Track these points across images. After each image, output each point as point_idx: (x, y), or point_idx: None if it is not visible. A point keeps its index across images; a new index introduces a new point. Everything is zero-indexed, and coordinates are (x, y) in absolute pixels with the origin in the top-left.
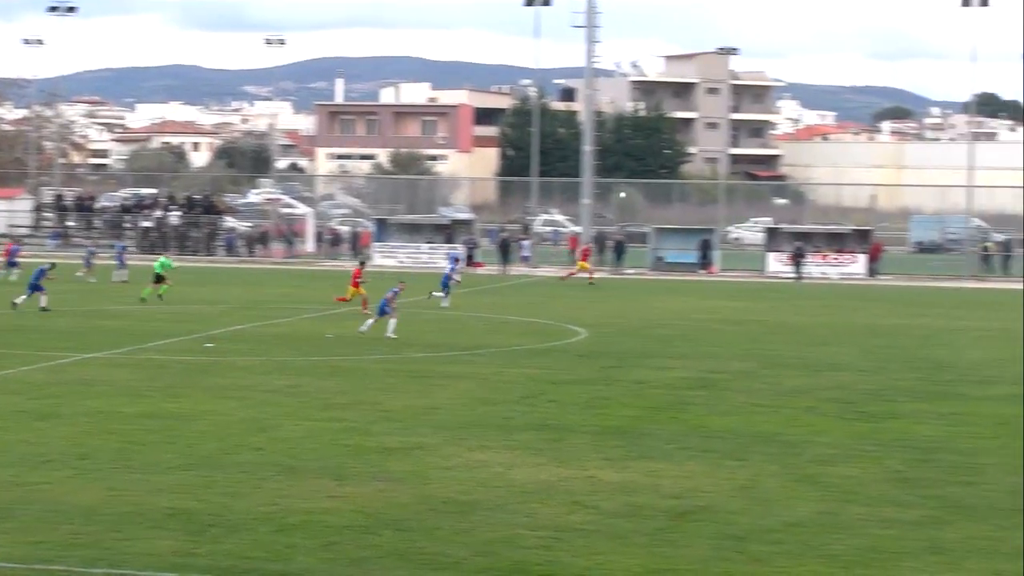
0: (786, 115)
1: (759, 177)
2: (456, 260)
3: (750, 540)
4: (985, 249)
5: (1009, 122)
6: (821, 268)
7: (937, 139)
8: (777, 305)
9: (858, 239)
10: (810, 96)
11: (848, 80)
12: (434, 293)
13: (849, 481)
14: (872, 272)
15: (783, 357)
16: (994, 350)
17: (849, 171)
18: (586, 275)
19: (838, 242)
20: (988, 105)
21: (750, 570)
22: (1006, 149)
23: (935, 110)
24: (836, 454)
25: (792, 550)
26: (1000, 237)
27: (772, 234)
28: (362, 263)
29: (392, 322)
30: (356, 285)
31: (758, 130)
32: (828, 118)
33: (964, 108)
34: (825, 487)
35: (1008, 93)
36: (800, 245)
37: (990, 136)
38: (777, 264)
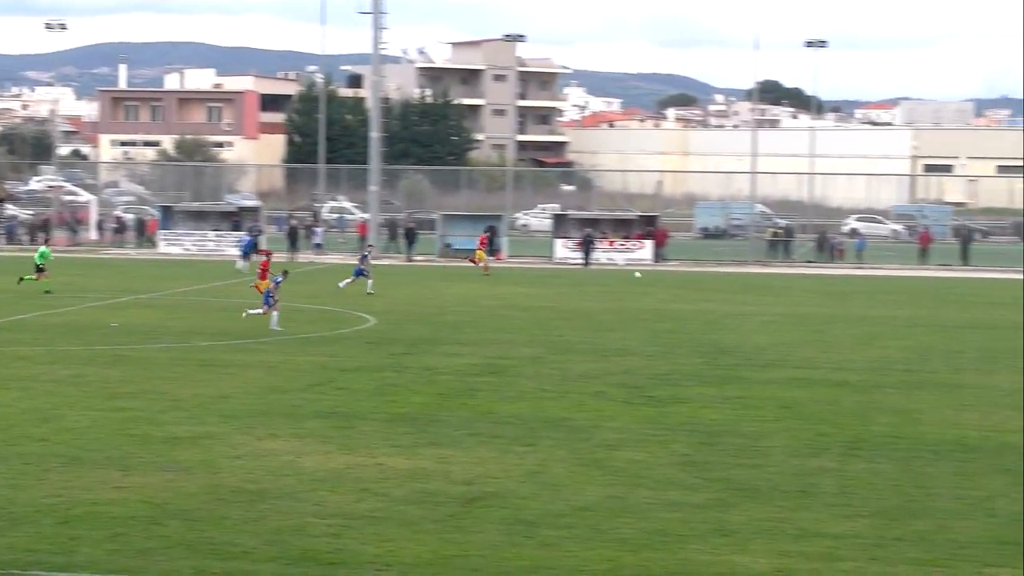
0: (573, 102)
1: (546, 164)
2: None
3: (540, 525)
4: (775, 235)
5: (791, 109)
6: (608, 254)
7: (721, 126)
8: (565, 291)
9: (644, 225)
10: (596, 83)
11: (634, 67)
12: (341, 284)
13: (636, 465)
14: (658, 258)
15: (571, 343)
16: (778, 334)
17: (635, 158)
18: (481, 264)
19: (625, 228)
20: (771, 92)
21: (540, 555)
22: (789, 136)
23: (719, 97)
24: (624, 438)
25: (581, 534)
26: (783, 223)
27: (559, 220)
28: (268, 253)
29: (275, 315)
30: (264, 277)
31: (545, 117)
32: (614, 105)
33: (747, 95)
34: (613, 471)
35: (790, 80)
36: (589, 231)
37: (773, 123)
38: (564, 250)
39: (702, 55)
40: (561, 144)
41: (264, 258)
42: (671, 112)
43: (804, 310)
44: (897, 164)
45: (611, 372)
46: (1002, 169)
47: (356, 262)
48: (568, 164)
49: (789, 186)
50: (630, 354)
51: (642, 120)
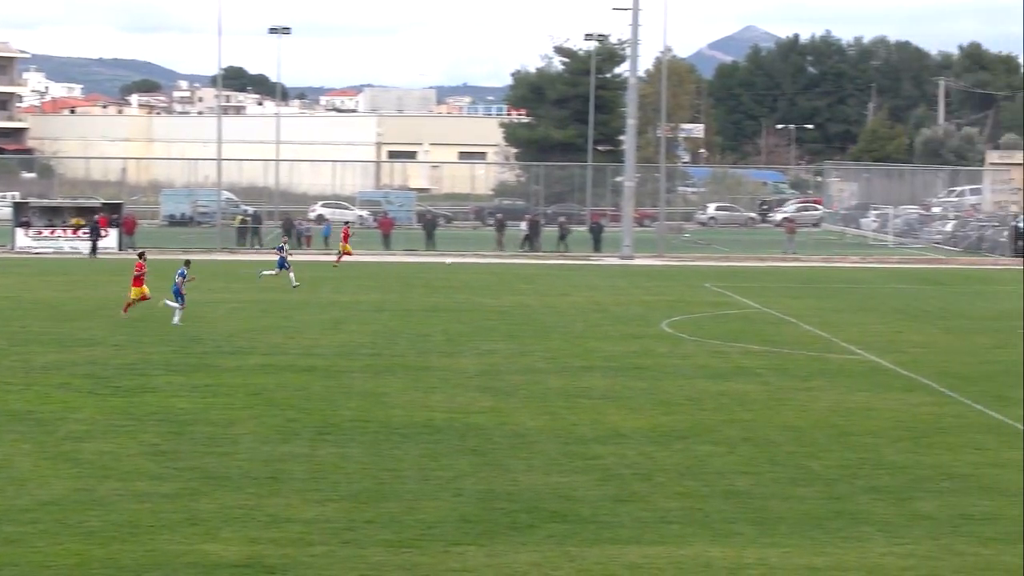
0: (32, 87)
1: (6, 151)
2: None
3: (4, 521)
4: (243, 222)
5: (257, 96)
6: (72, 243)
7: (186, 113)
8: (27, 280)
9: (110, 213)
10: (57, 68)
11: (97, 52)
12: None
13: (105, 457)
14: (124, 246)
15: (33, 333)
16: (247, 321)
17: (98, 144)
18: (346, 256)
19: (89, 216)
20: (236, 79)
21: (5, 552)
22: (254, 122)
23: (184, 84)
24: (90, 430)
25: (48, 529)
26: (251, 210)
27: (20, 208)
28: (141, 255)
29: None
30: (139, 282)
31: (4, 103)
32: (76, 91)
33: (212, 82)
34: (80, 464)
35: (255, 67)
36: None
37: (239, 110)
38: (27, 239)
39: (166, 41)
40: (21, 130)
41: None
42: (135, 98)
43: (272, 296)
44: (362, 151)
45: (77, 363)
46: (464, 155)
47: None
48: (29, 151)
49: (256, 173)
50: (96, 344)
51: (105, 106)
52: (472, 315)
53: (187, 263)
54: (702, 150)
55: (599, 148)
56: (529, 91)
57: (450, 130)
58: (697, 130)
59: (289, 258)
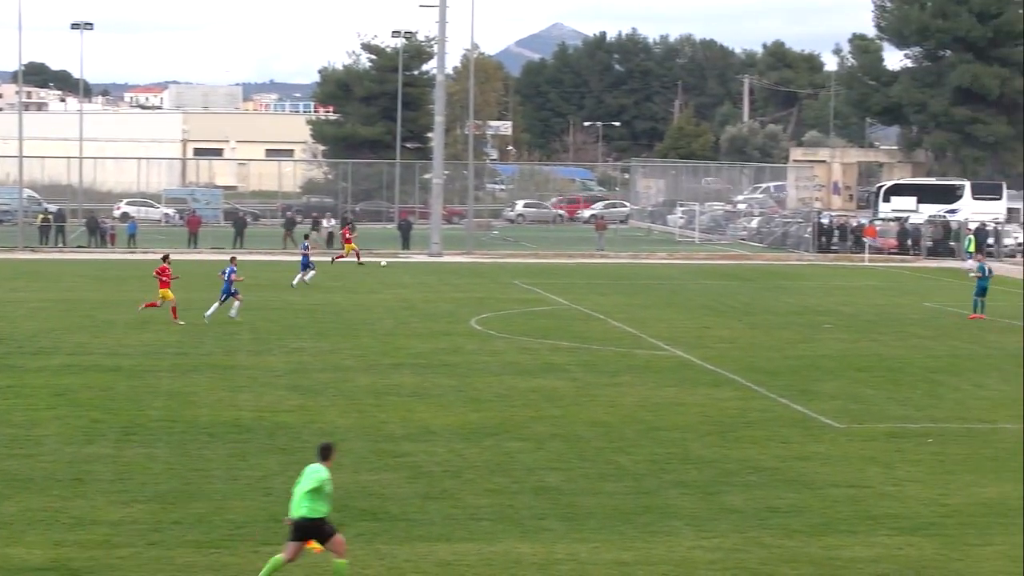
0: None
1: None
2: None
3: None
4: (44, 220)
5: (59, 92)
6: None
7: None
8: None
9: None
10: None
11: None
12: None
13: None
14: None
15: None
16: (49, 321)
17: None
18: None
19: None
20: (37, 75)
21: None
22: (57, 119)
23: None
24: None
25: None
26: (53, 208)
27: None
28: (166, 257)
29: (237, 304)
30: (166, 285)
31: None
32: None
33: (13, 78)
34: None
35: (56, 63)
36: None
37: (40, 106)
38: None
39: None
40: None
41: None
42: None
43: (76, 295)
44: (168, 148)
45: None
46: (271, 152)
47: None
48: None
49: (59, 170)
50: None
51: None
52: (280, 313)
53: (233, 260)
54: (510, 147)
55: (407, 145)
56: (337, 88)
57: (257, 127)
58: (505, 127)
59: (312, 258)
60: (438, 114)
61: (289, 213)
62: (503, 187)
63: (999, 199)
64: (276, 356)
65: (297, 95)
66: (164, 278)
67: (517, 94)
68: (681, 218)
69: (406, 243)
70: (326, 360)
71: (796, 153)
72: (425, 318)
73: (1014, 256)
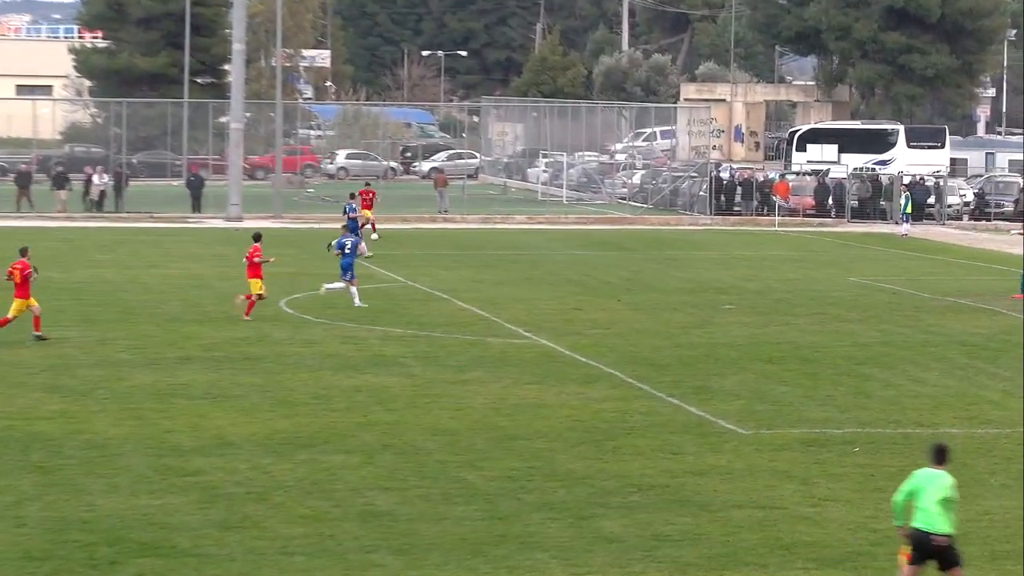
0: None
1: None
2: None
3: None
4: None
5: None
6: None
7: None
8: None
9: None
10: None
11: None
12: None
13: None
14: None
15: None
16: None
17: None
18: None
19: None
20: None
21: None
22: None
23: None
24: None
25: None
26: None
27: None
28: (258, 236)
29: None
30: (257, 271)
31: None
32: None
33: None
34: None
35: None
36: None
37: None
38: None
39: None
40: None
41: None
42: None
43: None
44: None
45: None
46: (22, 90)
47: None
48: None
49: None
50: None
51: None
52: (35, 293)
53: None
54: (329, 83)
55: (198, 81)
56: (107, 8)
57: (4, 57)
58: (322, 58)
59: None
60: (237, 41)
61: (60, 168)
62: (320, 133)
63: (941, 147)
64: (31, 348)
65: (56, 17)
66: (256, 261)
67: (338, 16)
68: (545, 172)
69: (197, 205)
70: (95, 353)
71: (688, 90)
72: (222, 299)
73: (961, 219)
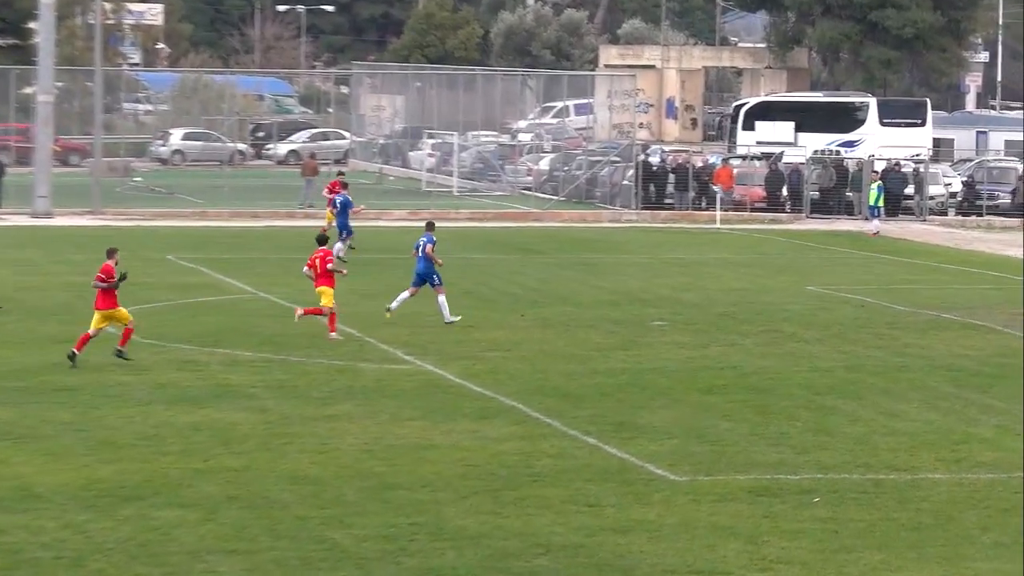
0: None
1: None
2: None
3: None
4: None
5: None
6: None
7: None
8: None
9: None
10: None
11: None
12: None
13: None
14: None
15: None
16: None
17: None
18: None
19: None
20: None
21: None
22: None
23: None
24: None
25: None
26: None
27: None
28: (323, 239)
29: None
30: (327, 277)
31: None
32: None
33: None
34: None
35: None
36: None
37: None
38: None
39: None
40: None
41: None
42: None
43: None
44: None
45: None
46: None
47: None
48: None
49: None
50: None
51: None
52: None
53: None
54: (161, 45)
55: None
56: None
57: None
58: (154, 13)
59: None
60: None
61: None
62: (150, 107)
63: (921, 125)
64: None
65: None
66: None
67: None
68: (431, 156)
69: None
70: None
71: (609, 54)
72: (26, 316)
73: (946, 214)
